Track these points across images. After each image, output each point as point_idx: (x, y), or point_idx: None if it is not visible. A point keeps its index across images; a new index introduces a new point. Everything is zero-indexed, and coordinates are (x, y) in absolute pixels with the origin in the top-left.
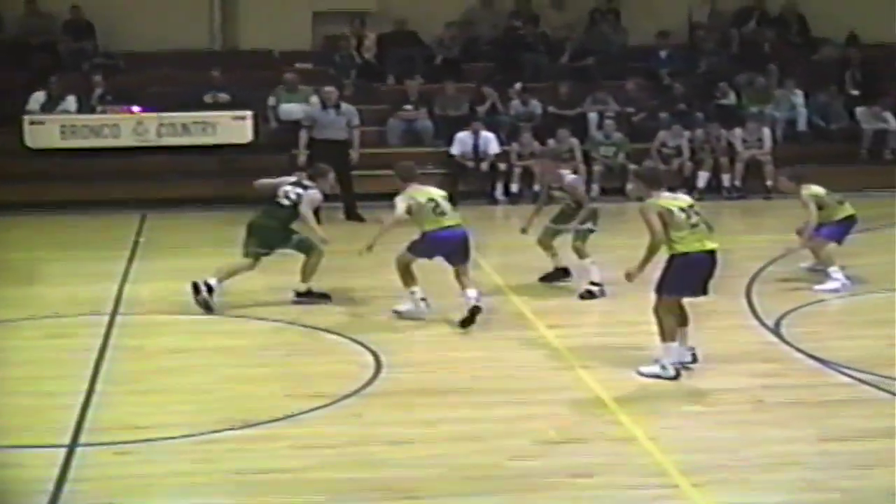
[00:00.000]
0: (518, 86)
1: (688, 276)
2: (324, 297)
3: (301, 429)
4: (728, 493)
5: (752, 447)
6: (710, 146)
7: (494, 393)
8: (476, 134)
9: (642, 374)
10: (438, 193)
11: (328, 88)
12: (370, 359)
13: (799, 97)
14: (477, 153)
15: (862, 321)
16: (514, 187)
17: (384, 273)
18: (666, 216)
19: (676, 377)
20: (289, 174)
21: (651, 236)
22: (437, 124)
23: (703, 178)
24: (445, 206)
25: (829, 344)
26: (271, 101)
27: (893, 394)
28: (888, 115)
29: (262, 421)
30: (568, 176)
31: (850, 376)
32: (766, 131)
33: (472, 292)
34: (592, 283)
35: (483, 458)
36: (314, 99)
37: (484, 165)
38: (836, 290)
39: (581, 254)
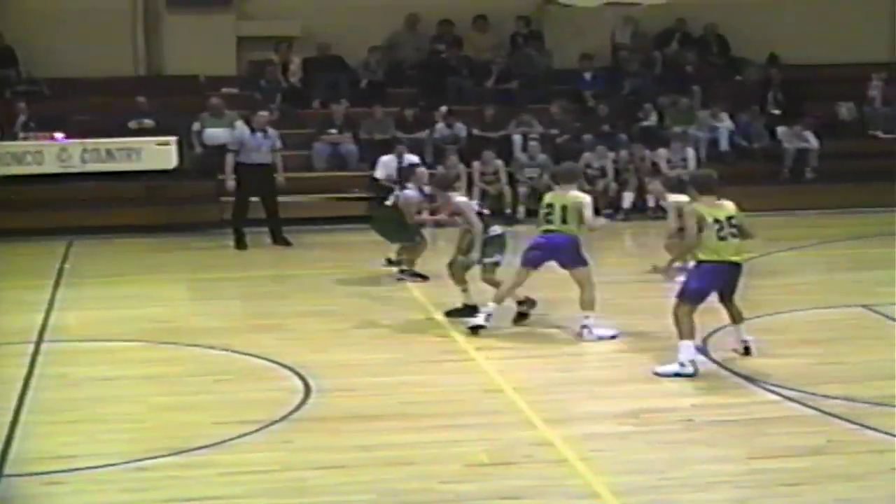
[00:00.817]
0: (443, 109)
1: (705, 284)
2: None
3: (231, 456)
4: None
5: (683, 467)
6: (635, 167)
7: (425, 417)
8: (400, 157)
9: (659, 374)
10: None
11: (262, 113)
12: (299, 384)
13: (721, 117)
14: (401, 176)
15: (787, 339)
16: None
17: (312, 297)
18: (701, 223)
19: (695, 374)
20: (216, 201)
21: (686, 238)
22: (363, 148)
23: (627, 199)
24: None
25: (755, 362)
26: (196, 126)
27: (820, 411)
28: (809, 134)
29: (192, 448)
30: (455, 198)
31: (777, 394)
32: (690, 151)
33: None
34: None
35: (414, 482)
36: (239, 123)
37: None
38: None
39: (493, 284)
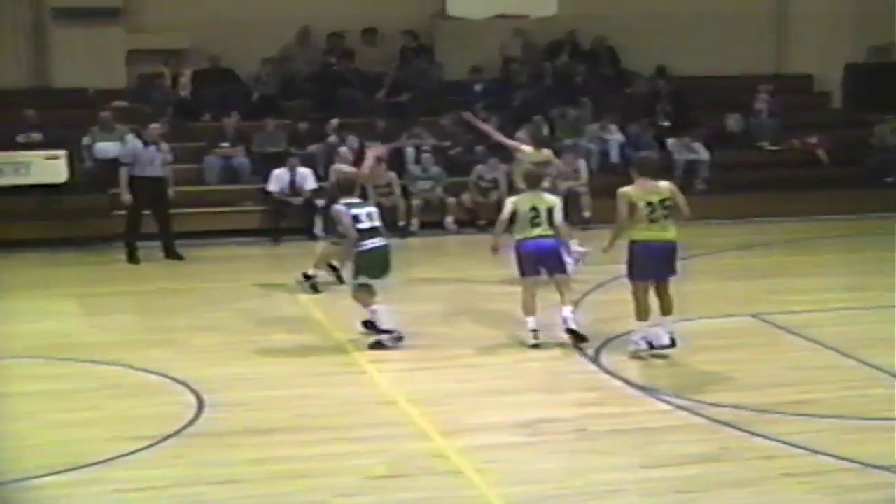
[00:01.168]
0: (334, 121)
1: (642, 262)
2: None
3: (125, 472)
4: None
5: (577, 476)
6: None
7: (321, 430)
8: (293, 170)
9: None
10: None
11: (153, 125)
12: (192, 398)
13: (611, 129)
14: (294, 189)
15: (678, 348)
16: None
17: (206, 311)
18: (632, 206)
19: (651, 348)
20: (108, 215)
21: (617, 221)
22: (255, 161)
23: None
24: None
25: (647, 371)
26: (86, 140)
27: (710, 419)
28: (698, 145)
29: (85, 465)
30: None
31: (668, 403)
32: (582, 163)
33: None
34: (383, 331)
35: (310, 496)
36: (130, 137)
37: (298, 201)
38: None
39: (365, 303)
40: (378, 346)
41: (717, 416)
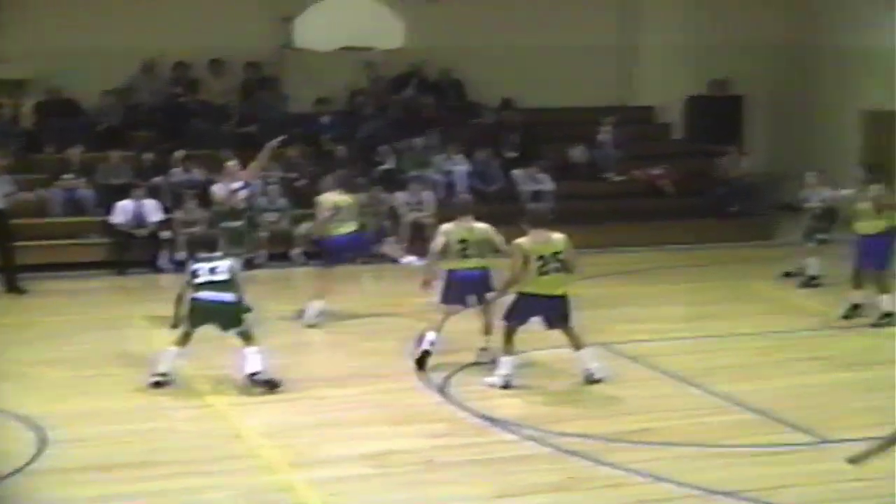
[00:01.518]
0: (180, 153)
1: (520, 314)
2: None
3: None
4: None
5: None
6: (374, 210)
7: (167, 465)
8: (138, 202)
9: (487, 383)
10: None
11: None
12: (34, 435)
13: (457, 160)
14: (139, 221)
15: (525, 379)
16: (182, 255)
17: (51, 345)
18: (526, 258)
19: (506, 386)
20: None
21: (510, 272)
22: (100, 193)
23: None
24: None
25: (493, 402)
26: None
27: (557, 448)
28: (543, 176)
29: None
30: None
31: (515, 433)
32: (428, 194)
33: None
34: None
35: None
36: None
37: (143, 233)
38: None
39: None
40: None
41: (564, 446)
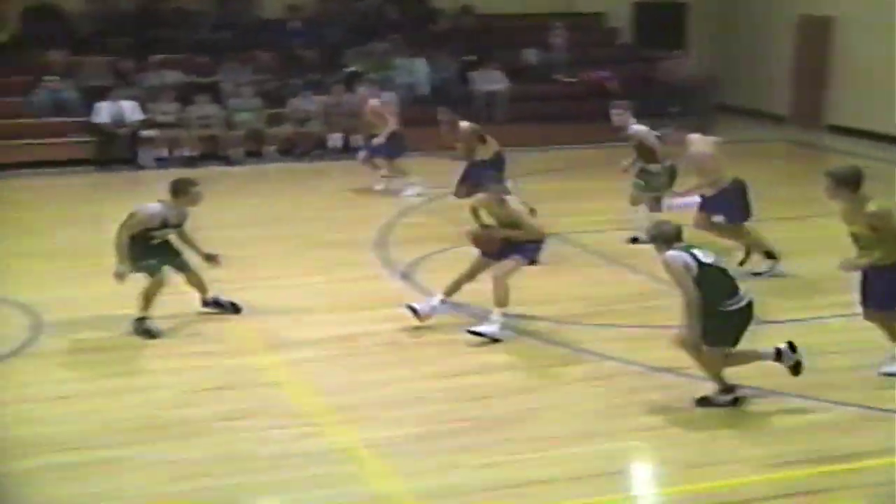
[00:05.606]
0: (156, 57)
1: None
2: (233, 307)
3: None
4: (369, 428)
5: (387, 385)
6: (340, 111)
7: (148, 347)
8: (117, 103)
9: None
10: None
11: None
12: (26, 320)
13: (419, 63)
14: (120, 120)
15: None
16: (162, 152)
17: (38, 238)
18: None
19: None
20: None
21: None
22: (82, 94)
23: (335, 139)
24: None
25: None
26: None
27: (513, 330)
28: (499, 75)
29: None
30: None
31: (474, 316)
32: (390, 95)
33: None
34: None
35: (139, 409)
36: None
37: (125, 131)
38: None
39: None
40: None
41: (519, 327)
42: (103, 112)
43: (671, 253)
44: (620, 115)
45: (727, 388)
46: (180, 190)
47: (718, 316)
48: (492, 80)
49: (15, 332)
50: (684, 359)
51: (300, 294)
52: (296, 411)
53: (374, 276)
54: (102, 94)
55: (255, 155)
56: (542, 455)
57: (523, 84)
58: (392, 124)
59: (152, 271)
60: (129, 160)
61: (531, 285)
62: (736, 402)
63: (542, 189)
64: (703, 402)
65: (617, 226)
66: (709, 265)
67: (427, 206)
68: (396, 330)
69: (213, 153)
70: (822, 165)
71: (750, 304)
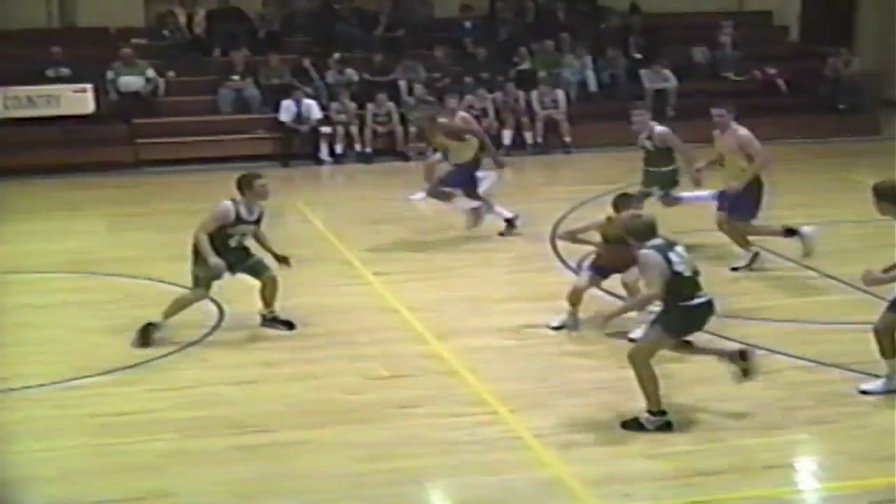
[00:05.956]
0: (335, 55)
1: None
2: (287, 324)
3: (153, 374)
4: (540, 416)
5: (560, 375)
6: (512, 107)
7: (326, 335)
8: (298, 102)
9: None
10: None
11: None
12: (213, 308)
13: (588, 61)
14: (301, 118)
15: None
16: (339, 148)
17: None
18: None
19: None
20: (130, 143)
21: None
22: (264, 92)
23: (507, 136)
24: None
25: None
26: (110, 74)
27: None
28: (668, 73)
29: (118, 368)
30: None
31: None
32: (560, 93)
33: None
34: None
35: (317, 393)
36: (151, 72)
37: (305, 129)
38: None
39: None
40: None
41: None
42: (287, 110)
43: (647, 252)
44: (641, 116)
45: (659, 412)
46: (245, 184)
47: (680, 310)
48: (660, 78)
49: (202, 319)
50: (851, 354)
51: (471, 284)
52: (471, 399)
53: (548, 269)
54: (283, 92)
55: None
56: (709, 447)
57: (691, 81)
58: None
59: (208, 282)
60: (309, 156)
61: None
62: (668, 425)
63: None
64: (630, 425)
65: (781, 221)
66: (679, 273)
67: (596, 201)
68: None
69: (389, 149)
70: None
71: (710, 303)
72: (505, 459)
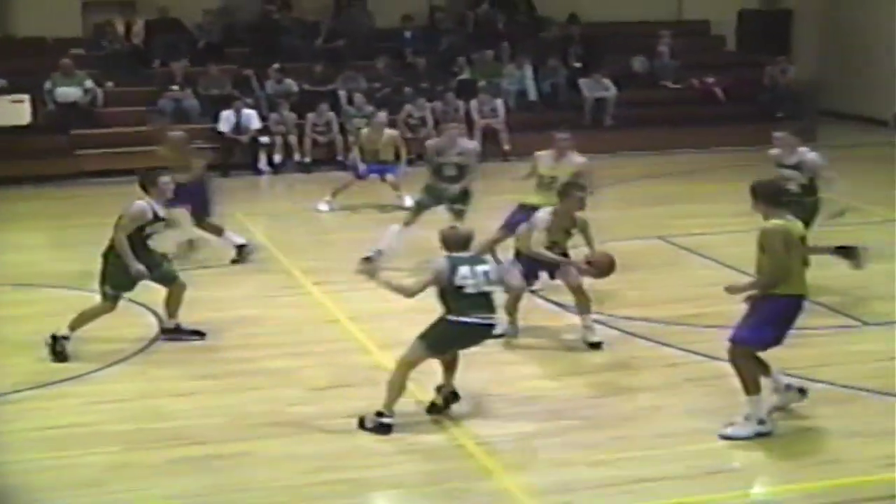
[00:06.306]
0: (275, 66)
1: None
2: (197, 333)
3: (93, 387)
4: (483, 425)
5: (503, 385)
6: (452, 117)
7: (268, 347)
8: (238, 112)
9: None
10: None
11: None
12: (153, 320)
13: (529, 71)
14: (239, 129)
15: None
16: (277, 158)
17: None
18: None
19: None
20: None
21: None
22: (203, 103)
23: None
24: None
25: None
26: (48, 85)
27: (623, 331)
28: (607, 81)
29: (55, 381)
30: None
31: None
32: (499, 102)
33: None
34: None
35: (262, 405)
36: (89, 83)
37: (244, 139)
38: None
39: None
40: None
41: (628, 329)
42: (226, 120)
43: (440, 259)
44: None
45: (388, 414)
46: (150, 182)
47: (447, 324)
48: (600, 88)
49: (142, 332)
50: (787, 359)
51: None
52: (412, 409)
53: None
54: (222, 102)
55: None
56: (651, 454)
57: (631, 90)
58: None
59: (116, 294)
60: (248, 166)
61: (642, 287)
62: (388, 428)
63: (649, 192)
64: (361, 422)
65: (722, 228)
66: (459, 288)
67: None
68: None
69: (329, 159)
70: None
71: (485, 326)
72: (448, 469)
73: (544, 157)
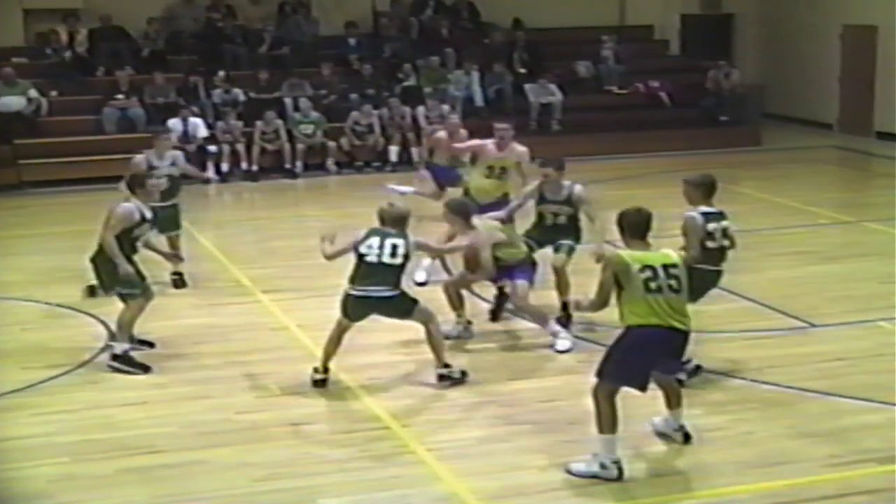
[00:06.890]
0: (221, 74)
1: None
2: (146, 343)
3: (41, 398)
4: (433, 430)
5: (450, 390)
6: (398, 123)
7: (218, 355)
8: (185, 120)
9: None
10: None
11: None
12: (101, 329)
13: (474, 77)
14: (187, 137)
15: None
16: (224, 167)
17: None
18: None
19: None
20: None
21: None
22: (149, 111)
23: (394, 153)
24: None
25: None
26: None
27: (577, 338)
28: (553, 87)
29: (3, 393)
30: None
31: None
32: (445, 108)
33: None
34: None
35: (212, 414)
36: (33, 92)
37: (191, 147)
38: None
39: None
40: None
41: (577, 334)
42: (172, 129)
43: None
44: None
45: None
46: (137, 184)
47: (345, 291)
48: (546, 93)
49: (90, 341)
50: (735, 361)
51: None
52: (362, 416)
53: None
54: (168, 111)
55: (316, 168)
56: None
57: (576, 95)
58: None
59: (135, 291)
60: None
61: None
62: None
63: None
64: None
65: (668, 232)
66: (361, 256)
67: None
68: (459, 338)
69: (276, 166)
70: (872, 171)
71: (372, 298)
72: (400, 475)
73: (488, 147)
